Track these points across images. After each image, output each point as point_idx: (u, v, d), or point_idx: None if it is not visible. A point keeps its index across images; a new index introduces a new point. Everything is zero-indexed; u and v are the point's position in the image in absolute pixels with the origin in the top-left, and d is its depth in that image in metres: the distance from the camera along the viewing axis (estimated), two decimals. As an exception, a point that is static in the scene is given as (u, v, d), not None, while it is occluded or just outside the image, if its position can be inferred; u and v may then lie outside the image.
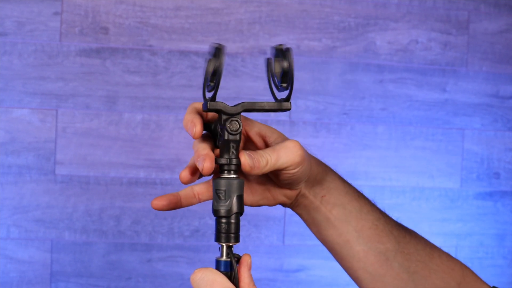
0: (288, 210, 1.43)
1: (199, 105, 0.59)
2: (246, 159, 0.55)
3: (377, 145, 1.46)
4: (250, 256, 0.55)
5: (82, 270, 1.35)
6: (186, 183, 0.60)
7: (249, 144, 0.62)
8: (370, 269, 0.67)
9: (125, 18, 1.36)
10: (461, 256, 1.49)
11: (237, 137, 0.55)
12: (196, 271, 0.53)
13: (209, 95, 0.55)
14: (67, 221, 1.34)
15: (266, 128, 0.61)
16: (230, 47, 1.40)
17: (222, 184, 0.55)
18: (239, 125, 0.54)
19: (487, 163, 1.51)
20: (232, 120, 0.54)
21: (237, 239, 0.55)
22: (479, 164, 1.51)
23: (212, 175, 0.60)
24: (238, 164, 0.55)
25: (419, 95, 1.48)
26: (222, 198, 0.55)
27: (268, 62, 0.56)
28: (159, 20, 1.37)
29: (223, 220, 0.54)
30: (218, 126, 0.56)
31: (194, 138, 0.57)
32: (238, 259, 0.55)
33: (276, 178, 0.60)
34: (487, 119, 1.51)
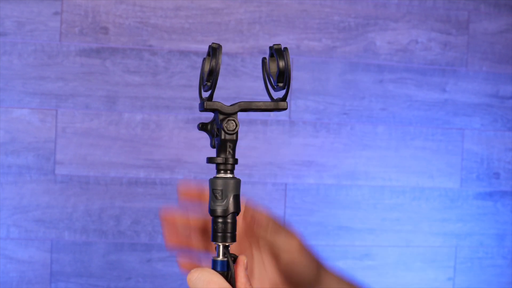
0: (288, 210, 1.43)
1: (170, 214, 0.62)
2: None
3: (377, 145, 1.46)
4: (246, 256, 0.55)
5: (82, 270, 1.35)
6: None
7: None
8: None
9: (125, 18, 1.36)
10: (461, 256, 1.49)
11: (234, 136, 0.55)
12: (192, 271, 0.53)
13: (205, 95, 0.55)
14: (67, 221, 1.34)
15: (281, 243, 0.63)
16: (230, 47, 1.40)
17: (219, 183, 0.55)
18: (236, 125, 0.55)
19: (487, 163, 1.51)
20: (229, 120, 0.55)
21: (233, 239, 0.55)
22: (479, 164, 1.51)
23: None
24: (235, 163, 0.55)
25: (419, 95, 1.48)
26: (219, 198, 0.55)
27: (264, 62, 0.57)
28: (159, 20, 1.37)
29: (220, 220, 0.54)
30: (215, 126, 0.56)
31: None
32: (235, 259, 0.55)
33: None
34: (487, 119, 1.51)
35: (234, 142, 0.55)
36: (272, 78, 0.56)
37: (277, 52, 0.55)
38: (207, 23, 1.39)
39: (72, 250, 1.35)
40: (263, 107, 0.57)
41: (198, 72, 1.38)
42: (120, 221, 1.36)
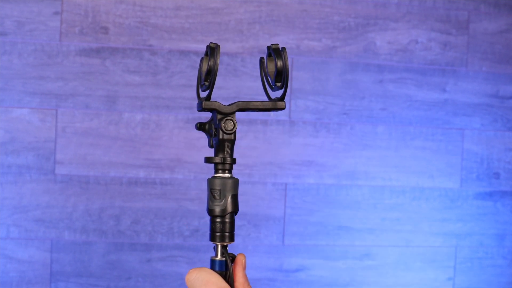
0: (288, 209, 1.43)
1: None
2: None
3: (377, 145, 1.46)
4: (245, 256, 0.55)
5: (81, 270, 1.35)
6: None
7: None
8: None
9: (125, 18, 1.36)
10: (461, 256, 1.49)
11: (232, 136, 0.55)
12: (190, 271, 0.53)
13: (204, 94, 0.55)
14: (66, 220, 1.34)
15: None
16: (230, 47, 1.40)
17: (217, 183, 0.55)
18: (234, 124, 0.55)
19: (487, 163, 1.51)
20: (227, 120, 0.55)
21: (231, 239, 0.55)
22: (479, 164, 1.51)
23: None
24: (233, 163, 0.55)
25: (419, 95, 1.47)
26: (217, 198, 0.55)
27: (261, 62, 0.57)
28: (159, 20, 1.37)
29: (218, 220, 0.54)
30: (213, 126, 0.56)
31: None
32: (233, 258, 0.55)
33: None
34: (487, 119, 1.51)
35: (232, 141, 0.55)
36: (270, 77, 0.56)
37: (275, 52, 0.55)
38: (207, 23, 1.39)
39: (72, 250, 1.35)
40: (261, 107, 0.57)
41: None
42: (120, 221, 1.36)
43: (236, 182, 0.55)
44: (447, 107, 1.49)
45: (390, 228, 1.47)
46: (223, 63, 1.38)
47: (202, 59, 0.55)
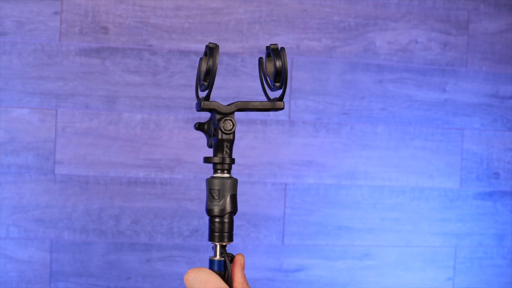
0: (288, 209, 1.43)
1: None
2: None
3: (376, 145, 1.46)
4: (244, 256, 0.55)
5: (81, 269, 1.35)
6: None
7: None
8: None
9: (125, 18, 1.36)
10: (461, 256, 1.49)
11: (231, 136, 0.55)
12: (189, 271, 0.53)
13: (203, 94, 0.55)
14: (66, 220, 1.34)
15: None
16: (230, 47, 1.40)
17: (216, 183, 0.55)
18: (233, 125, 0.55)
19: (486, 163, 1.51)
20: (226, 120, 0.55)
21: (230, 239, 0.55)
22: (478, 164, 1.50)
23: None
24: (232, 163, 0.55)
25: (419, 95, 1.47)
26: (216, 198, 0.55)
27: (260, 62, 0.57)
28: (159, 20, 1.37)
29: (217, 220, 0.54)
30: (212, 126, 0.56)
31: None
32: (232, 258, 0.55)
33: None
34: (487, 119, 1.50)
35: (231, 141, 0.55)
36: (269, 78, 0.56)
37: (274, 52, 0.55)
38: (207, 23, 1.39)
39: (71, 250, 1.35)
40: (259, 107, 0.57)
41: (198, 72, 1.38)
42: (120, 221, 1.36)
43: (235, 182, 0.55)
44: (447, 107, 1.49)
45: (390, 228, 1.47)
46: (222, 63, 1.38)
47: (201, 59, 0.55)
